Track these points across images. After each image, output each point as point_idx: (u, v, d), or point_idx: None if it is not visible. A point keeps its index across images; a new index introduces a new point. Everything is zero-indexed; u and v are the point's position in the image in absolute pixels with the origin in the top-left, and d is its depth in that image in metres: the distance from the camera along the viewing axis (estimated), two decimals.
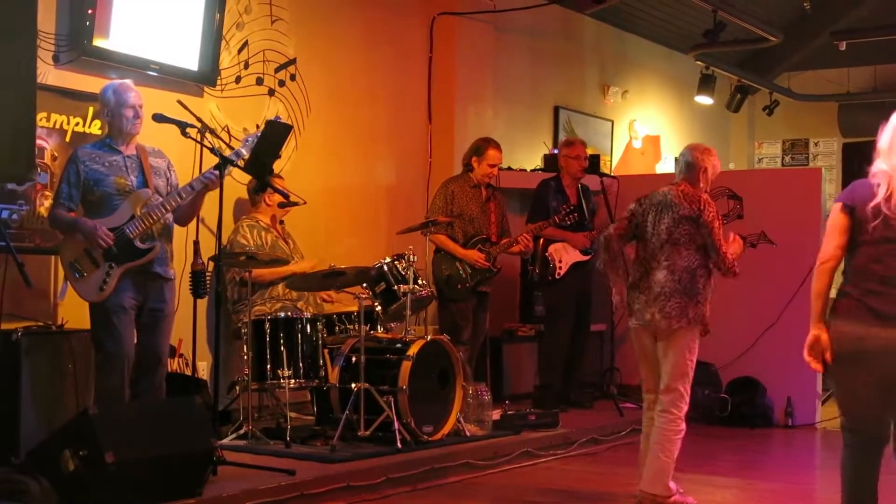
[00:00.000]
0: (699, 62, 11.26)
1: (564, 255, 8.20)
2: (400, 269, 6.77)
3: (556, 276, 8.15)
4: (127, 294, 5.46)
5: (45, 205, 6.07)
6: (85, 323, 5.62)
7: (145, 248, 5.51)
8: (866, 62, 12.65)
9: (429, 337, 6.56)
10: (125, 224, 5.45)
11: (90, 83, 6.25)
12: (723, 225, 5.51)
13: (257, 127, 7.02)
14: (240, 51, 7.41)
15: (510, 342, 8.90)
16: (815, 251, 8.60)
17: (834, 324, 4.25)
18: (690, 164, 5.62)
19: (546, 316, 8.37)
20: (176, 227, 6.54)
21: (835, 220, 4.31)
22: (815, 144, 14.00)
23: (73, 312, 5.83)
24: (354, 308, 6.65)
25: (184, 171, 6.20)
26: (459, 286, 7.64)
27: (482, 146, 7.84)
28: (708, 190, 5.64)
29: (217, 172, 5.63)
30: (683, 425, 5.48)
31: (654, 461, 5.46)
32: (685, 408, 5.48)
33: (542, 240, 8.20)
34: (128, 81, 5.71)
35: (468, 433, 6.66)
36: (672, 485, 5.47)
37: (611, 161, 11.11)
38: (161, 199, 5.57)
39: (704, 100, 11.69)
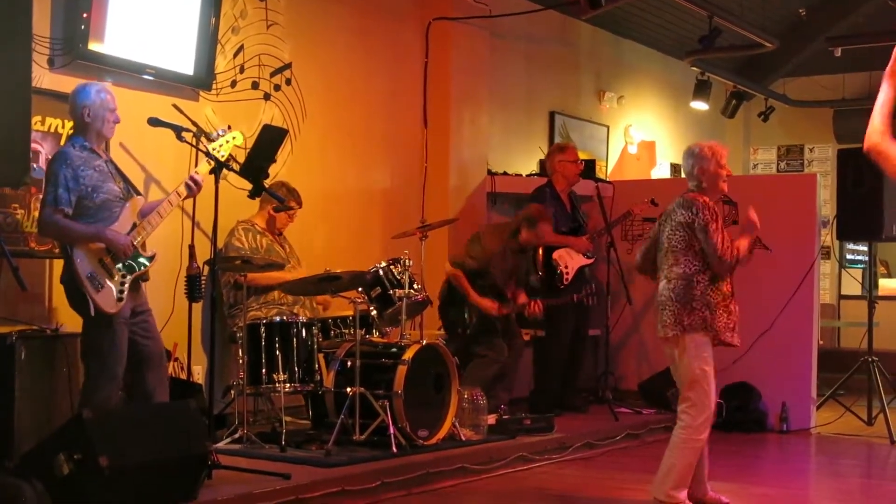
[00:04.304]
0: (695, 68, 11.27)
1: (569, 261, 8.19)
2: (395, 273, 6.77)
3: (564, 283, 8.13)
4: (128, 304, 5.43)
5: (38, 209, 6.05)
6: (79, 326, 5.60)
7: (149, 255, 5.50)
8: (861, 68, 12.65)
9: (424, 341, 6.56)
10: (129, 233, 5.42)
11: None
12: (722, 226, 5.39)
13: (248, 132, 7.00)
14: (235, 55, 7.41)
15: None
16: (809, 257, 8.70)
17: None
18: (687, 173, 5.60)
19: (546, 321, 8.37)
20: (172, 233, 6.56)
21: None
22: (810, 150, 14.02)
23: (68, 316, 5.82)
24: (350, 312, 6.65)
25: (180, 176, 6.19)
26: (460, 331, 7.62)
27: (535, 220, 7.70)
28: (714, 184, 5.50)
29: (199, 174, 5.64)
30: (698, 435, 5.37)
31: (662, 464, 5.47)
32: (700, 417, 5.37)
33: (541, 248, 8.20)
34: (107, 84, 5.65)
35: (463, 437, 6.66)
36: (677, 494, 5.39)
37: (606, 166, 11.12)
38: (153, 206, 5.57)
39: (700, 105, 11.70)
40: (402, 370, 6.31)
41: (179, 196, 5.62)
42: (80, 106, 5.44)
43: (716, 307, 5.37)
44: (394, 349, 6.52)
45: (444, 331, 7.81)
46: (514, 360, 7.86)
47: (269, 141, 6.07)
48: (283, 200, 6.67)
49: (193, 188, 5.64)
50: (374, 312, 6.77)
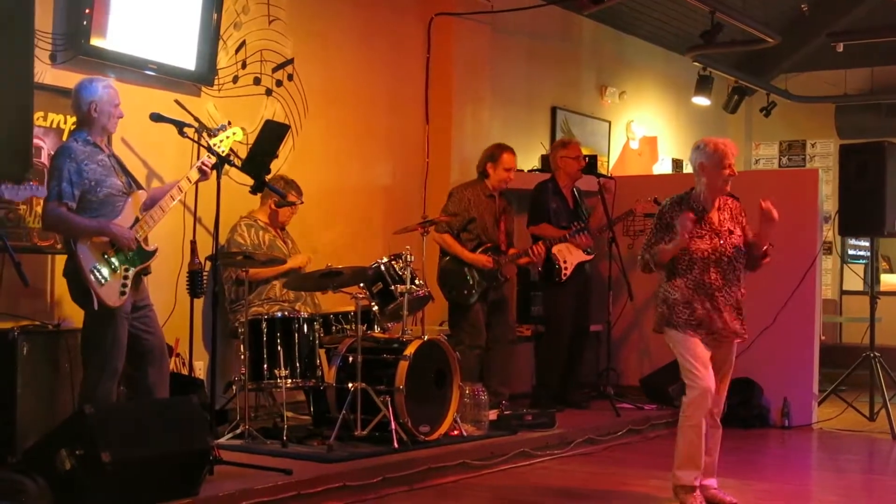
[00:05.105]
0: (696, 63, 11.26)
1: (569, 256, 8.19)
2: (397, 268, 6.77)
3: (563, 278, 8.14)
4: (130, 299, 5.43)
5: (42, 204, 6.04)
6: (82, 321, 5.60)
7: (151, 250, 5.50)
8: (863, 64, 12.65)
9: (426, 337, 6.56)
10: (132, 227, 5.42)
11: None
12: (658, 225, 5.46)
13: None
14: (237, 50, 7.41)
15: None
16: (811, 252, 8.69)
17: None
18: (692, 167, 5.61)
19: (547, 316, 8.37)
20: (175, 228, 6.55)
21: None
22: (812, 146, 14.02)
23: (71, 311, 5.82)
24: (351, 308, 6.65)
25: (181, 171, 6.20)
26: (466, 292, 7.62)
27: (496, 152, 7.81)
28: (715, 183, 5.53)
29: (207, 162, 5.66)
30: (690, 412, 5.36)
31: None
32: (688, 398, 5.38)
33: (542, 242, 8.20)
34: (111, 80, 5.66)
35: (465, 433, 6.66)
36: (681, 474, 5.41)
37: (608, 162, 11.12)
38: (156, 198, 5.57)
39: (702, 101, 11.70)
40: (403, 366, 6.32)
41: (181, 191, 5.63)
42: (86, 101, 5.41)
43: (674, 303, 5.41)
44: (395, 345, 6.52)
45: (452, 300, 7.79)
46: (502, 351, 7.87)
47: (271, 136, 6.07)
48: (284, 196, 6.67)
49: (207, 171, 5.67)
50: (375, 308, 6.77)
